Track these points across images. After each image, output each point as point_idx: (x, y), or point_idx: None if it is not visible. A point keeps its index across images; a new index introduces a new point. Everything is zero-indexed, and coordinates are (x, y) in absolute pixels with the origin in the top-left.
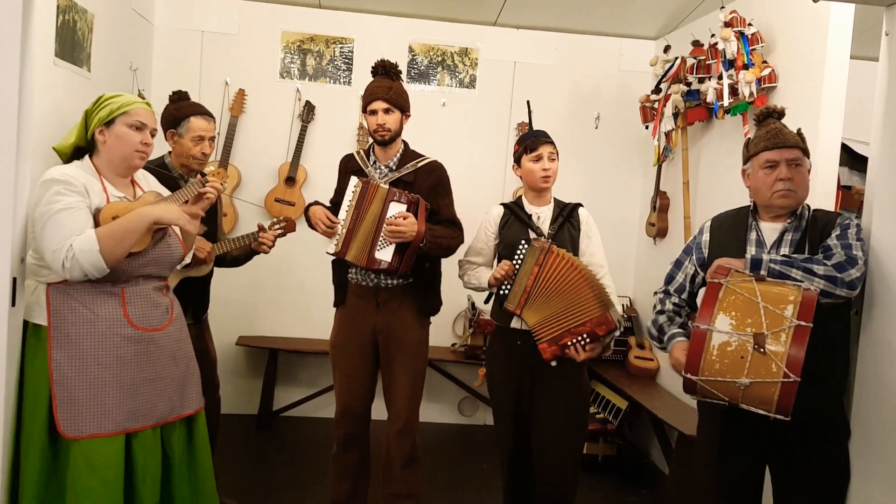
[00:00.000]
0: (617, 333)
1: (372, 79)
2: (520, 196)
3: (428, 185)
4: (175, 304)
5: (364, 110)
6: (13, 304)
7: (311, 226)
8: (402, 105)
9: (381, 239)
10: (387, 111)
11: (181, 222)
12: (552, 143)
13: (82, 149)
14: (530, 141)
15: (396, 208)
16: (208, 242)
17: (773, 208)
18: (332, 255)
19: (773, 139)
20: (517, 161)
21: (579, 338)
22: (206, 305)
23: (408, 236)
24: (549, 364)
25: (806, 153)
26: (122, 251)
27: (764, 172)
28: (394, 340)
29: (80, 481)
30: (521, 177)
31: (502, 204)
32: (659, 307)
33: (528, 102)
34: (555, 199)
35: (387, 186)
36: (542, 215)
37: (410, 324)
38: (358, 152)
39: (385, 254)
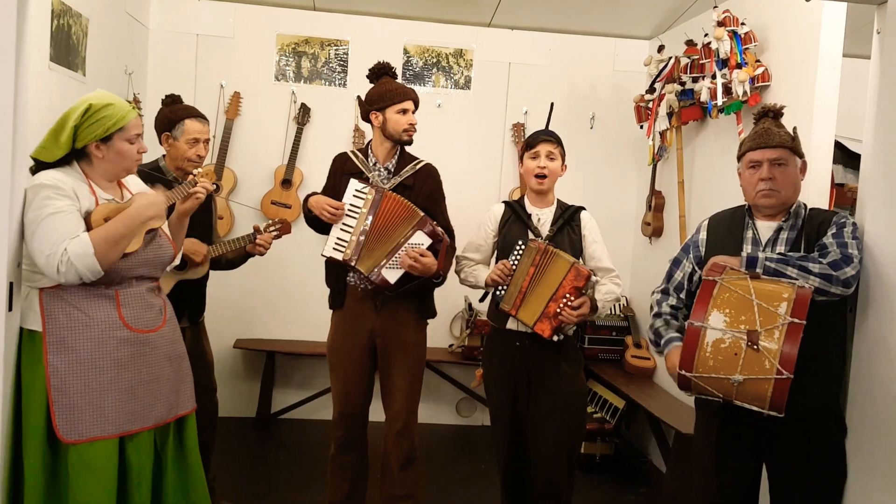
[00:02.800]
0: (594, 279)
1: (376, 80)
2: (523, 196)
3: (427, 191)
4: (167, 305)
5: (379, 109)
6: (10, 308)
7: (308, 220)
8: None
9: (393, 259)
10: (413, 111)
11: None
12: (554, 142)
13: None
14: (531, 138)
15: (419, 238)
16: (204, 245)
17: (760, 208)
18: (340, 260)
19: (758, 139)
20: (521, 159)
21: (563, 301)
22: (203, 308)
23: (419, 272)
24: (546, 342)
25: (796, 152)
26: (116, 253)
27: (749, 172)
28: (393, 342)
29: (79, 486)
30: (522, 175)
31: (504, 202)
32: (656, 309)
33: (551, 105)
34: (558, 200)
35: (422, 213)
36: (543, 217)
37: (409, 325)
38: (353, 152)
39: (392, 275)
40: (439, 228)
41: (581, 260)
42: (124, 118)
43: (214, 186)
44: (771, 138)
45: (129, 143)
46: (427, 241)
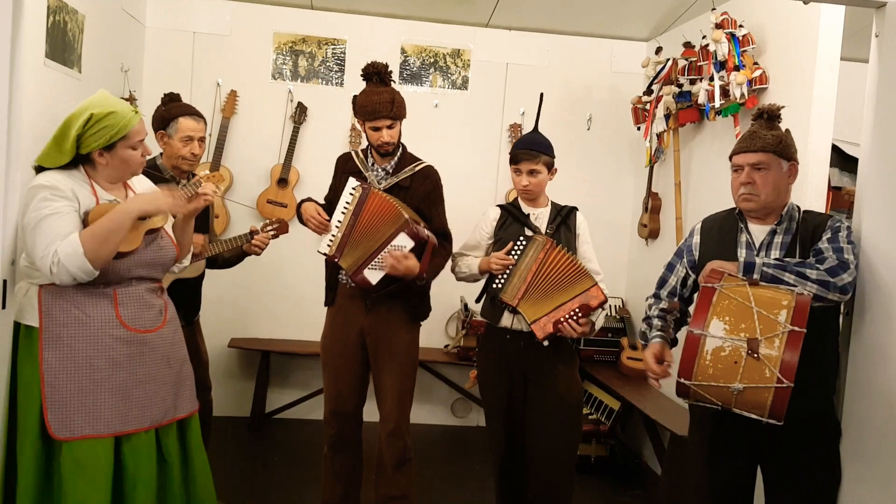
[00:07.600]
0: (607, 306)
1: (365, 83)
2: (516, 198)
3: (423, 192)
4: (169, 305)
5: (360, 120)
6: (3, 306)
7: (301, 222)
8: (403, 116)
9: (376, 260)
10: (390, 126)
11: (166, 208)
12: (535, 158)
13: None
14: (514, 151)
15: (402, 241)
16: (201, 235)
17: (745, 211)
18: (325, 255)
19: (742, 143)
20: (510, 162)
21: (571, 313)
22: (198, 307)
23: (399, 274)
24: (540, 344)
25: (782, 155)
26: (107, 251)
27: (734, 176)
28: (382, 343)
29: (69, 483)
30: None
31: (499, 206)
32: (647, 313)
33: (541, 95)
34: (552, 202)
35: (406, 216)
36: (539, 216)
37: (399, 328)
38: (356, 152)
39: (373, 276)
40: (424, 231)
41: None
42: (126, 126)
43: (219, 190)
44: (753, 142)
45: (133, 150)
46: (410, 244)
